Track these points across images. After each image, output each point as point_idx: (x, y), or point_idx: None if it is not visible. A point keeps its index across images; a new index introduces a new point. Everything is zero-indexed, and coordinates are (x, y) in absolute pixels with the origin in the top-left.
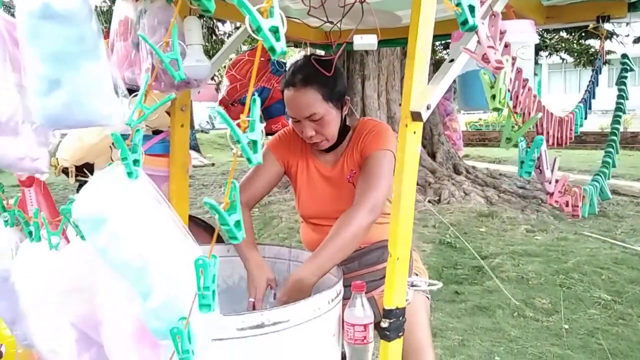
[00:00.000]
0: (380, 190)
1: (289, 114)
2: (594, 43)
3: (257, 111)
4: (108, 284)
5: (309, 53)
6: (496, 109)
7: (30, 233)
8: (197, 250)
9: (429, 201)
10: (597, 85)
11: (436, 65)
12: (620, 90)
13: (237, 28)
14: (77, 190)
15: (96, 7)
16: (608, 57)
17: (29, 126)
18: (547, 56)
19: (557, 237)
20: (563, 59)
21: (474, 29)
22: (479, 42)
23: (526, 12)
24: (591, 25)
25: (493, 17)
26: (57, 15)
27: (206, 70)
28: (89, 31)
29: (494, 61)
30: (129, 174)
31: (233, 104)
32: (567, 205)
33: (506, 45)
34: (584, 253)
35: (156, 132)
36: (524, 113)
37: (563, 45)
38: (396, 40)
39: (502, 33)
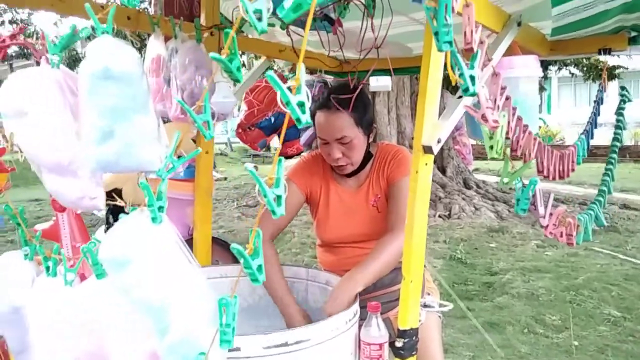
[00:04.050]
0: None
1: (319, 135)
2: (603, 57)
3: (282, 170)
4: (119, 323)
5: (321, 79)
6: (494, 158)
7: (47, 268)
8: (211, 291)
9: (439, 216)
10: (599, 115)
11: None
12: (618, 121)
13: (255, 57)
14: (107, 214)
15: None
16: (618, 71)
17: (86, 169)
18: (556, 71)
19: (568, 252)
20: (572, 74)
21: (474, 95)
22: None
23: (530, 45)
24: (593, 58)
25: (495, 76)
26: (115, 77)
27: (232, 105)
28: (141, 89)
29: (492, 121)
30: (154, 219)
31: (250, 128)
32: (561, 236)
33: (507, 98)
34: (594, 269)
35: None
36: (524, 154)
37: (572, 59)
38: (407, 69)
39: (503, 89)
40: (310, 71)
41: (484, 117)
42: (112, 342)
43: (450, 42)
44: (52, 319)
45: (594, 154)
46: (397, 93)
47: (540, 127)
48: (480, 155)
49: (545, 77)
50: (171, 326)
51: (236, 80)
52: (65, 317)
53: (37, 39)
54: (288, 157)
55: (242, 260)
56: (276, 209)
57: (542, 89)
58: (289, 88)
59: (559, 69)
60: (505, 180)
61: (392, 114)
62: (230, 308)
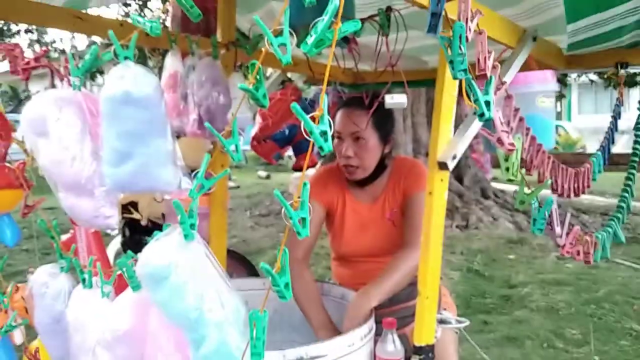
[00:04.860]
0: None
1: (336, 129)
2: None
3: (307, 193)
4: (156, 334)
5: (335, 89)
6: (510, 180)
7: (84, 280)
8: (241, 301)
9: (457, 226)
10: (617, 130)
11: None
12: (636, 136)
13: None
14: (122, 227)
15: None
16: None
17: (103, 188)
18: (575, 78)
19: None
20: (592, 81)
21: (490, 120)
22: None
23: (547, 60)
24: (610, 72)
25: (508, 98)
26: (135, 101)
27: (248, 121)
28: (159, 113)
29: (507, 144)
30: (186, 236)
31: (264, 140)
32: (578, 254)
33: (521, 119)
34: (615, 282)
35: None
36: (539, 172)
37: None
38: (421, 82)
39: (517, 110)
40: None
41: (499, 140)
42: (150, 353)
43: (465, 70)
44: (93, 330)
45: (616, 162)
46: (413, 100)
47: (560, 134)
48: (498, 163)
49: (564, 84)
50: (206, 338)
51: (262, 107)
52: (106, 328)
53: (56, 52)
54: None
55: (270, 278)
56: (301, 230)
57: (561, 96)
58: (312, 118)
59: (579, 75)
60: (521, 201)
61: (408, 122)
62: (261, 322)
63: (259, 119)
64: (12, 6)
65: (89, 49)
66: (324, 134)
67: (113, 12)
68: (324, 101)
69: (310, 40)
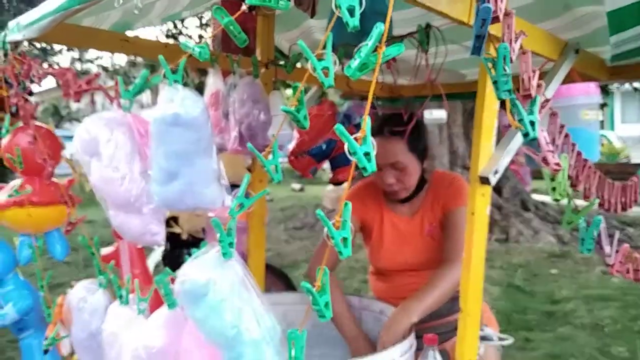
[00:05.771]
0: None
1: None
2: None
3: (349, 213)
4: (191, 351)
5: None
6: (556, 200)
7: (120, 296)
8: (275, 319)
9: (496, 240)
10: None
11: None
12: None
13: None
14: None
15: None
16: None
17: (151, 206)
18: (618, 87)
19: None
20: (636, 89)
21: (535, 139)
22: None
23: (590, 71)
24: None
25: (553, 116)
26: (184, 123)
27: (288, 137)
28: (206, 134)
29: (553, 164)
30: (224, 254)
31: (302, 155)
32: (628, 272)
33: (566, 136)
34: None
35: (234, 186)
36: (584, 188)
37: None
38: (460, 95)
39: (562, 127)
40: (361, 97)
41: (544, 160)
42: None
43: (509, 91)
44: (127, 347)
45: None
46: (449, 112)
47: (603, 144)
48: (538, 174)
49: (607, 93)
50: (242, 356)
51: (303, 128)
52: (140, 345)
53: (99, 68)
54: (340, 183)
55: (310, 297)
56: (343, 250)
57: (604, 104)
58: (355, 138)
59: (622, 84)
60: (569, 222)
61: (444, 134)
62: (299, 341)
63: (296, 134)
64: (64, 32)
65: (128, 65)
66: (367, 154)
67: (154, 28)
68: (367, 123)
69: (354, 64)
